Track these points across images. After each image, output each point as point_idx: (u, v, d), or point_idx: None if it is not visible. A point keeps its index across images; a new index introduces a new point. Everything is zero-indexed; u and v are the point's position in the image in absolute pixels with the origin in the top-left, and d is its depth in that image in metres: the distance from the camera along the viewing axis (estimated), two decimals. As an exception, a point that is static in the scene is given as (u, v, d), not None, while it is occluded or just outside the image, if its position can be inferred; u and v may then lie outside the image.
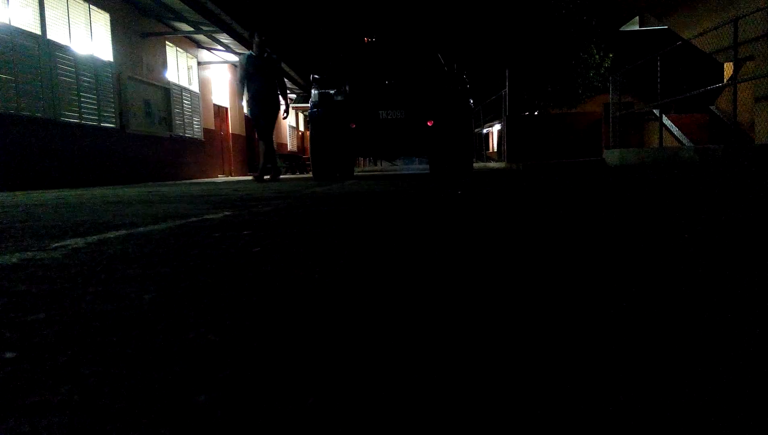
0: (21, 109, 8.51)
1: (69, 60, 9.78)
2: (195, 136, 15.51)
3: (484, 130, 22.61)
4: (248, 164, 20.37)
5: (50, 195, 5.94)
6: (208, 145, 16.62)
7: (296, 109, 29.20)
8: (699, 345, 0.77)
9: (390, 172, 15.81)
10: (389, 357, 0.76)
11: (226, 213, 3.00)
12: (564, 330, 0.85)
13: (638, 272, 1.23)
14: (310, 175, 13.53)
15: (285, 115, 9.53)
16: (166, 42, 14.04)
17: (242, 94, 9.24)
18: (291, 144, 28.35)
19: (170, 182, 11.47)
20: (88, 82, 10.39)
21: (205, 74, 16.75)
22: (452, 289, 1.13)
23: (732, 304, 0.96)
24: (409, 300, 1.06)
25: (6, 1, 8.39)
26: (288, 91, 9.65)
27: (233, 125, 19.03)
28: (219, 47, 16.10)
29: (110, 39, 11.32)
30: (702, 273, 1.20)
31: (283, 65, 19.01)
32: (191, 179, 14.38)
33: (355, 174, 13.27)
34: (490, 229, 2.05)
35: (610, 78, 13.06)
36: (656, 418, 0.57)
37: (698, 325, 0.85)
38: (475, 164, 17.02)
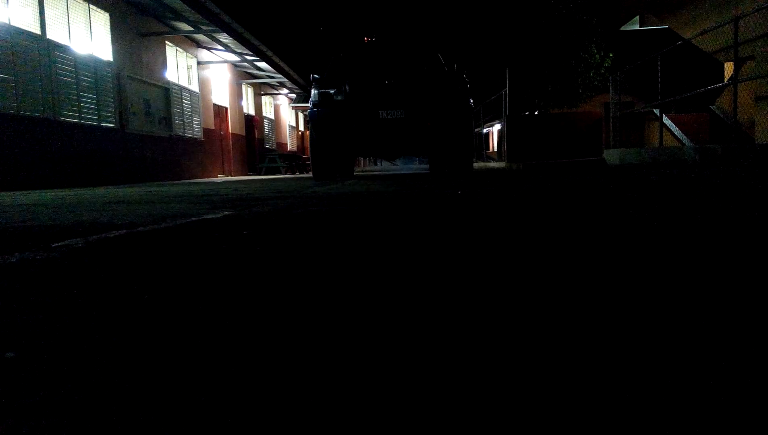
0: (21, 109, 8.51)
1: (69, 60, 9.78)
2: (195, 136, 15.50)
3: (484, 130, 22.60)
4: (248, 164, 20.37)
5: (50, 195, 5.94)
6: (208, 145, 16.62)
7: (296, 109, 29.19)
8: (694, 344, 0.77)
9: (390, 172, 15.80)
10: (387, 358, 0.76)
11: (226, 213, 3.00)
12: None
13: (637, 273, 1.23)
14: (310, 175, 13.52)
15: None
16: (166, 42, 14.04)
17: None
18: (291, 144, 28.34)
19: (170, 182, 11.47)
20: (88, 82, 10.38)
21: (205, 74, 16.74)
22: (450, 288, 1.13)
23: (733, 306, 0.96)
24: (408, 300, 1.05)
25: (6, 1, 8.39)
26: None
27: (233, 125, 19.02)
28: (219, 47, 16.08)
29: (110, 38, 11.31)
30: (702, 272, 1.20)
31: (283, 64, 19.10)
32: (191, 179, 14.37)
33: (355, 174, 13.27)
34: (490, 229, 2.04)
35: (610, 78, 13.06)
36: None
37: (695, 324, 0.85)
38: (475, 164, 17.01)
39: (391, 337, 0.84)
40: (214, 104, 17.47)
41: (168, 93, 13.82)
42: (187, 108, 15.06)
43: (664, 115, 11.04)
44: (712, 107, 15.42)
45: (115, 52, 11.46)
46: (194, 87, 15.79)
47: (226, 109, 18.58)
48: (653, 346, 0.77)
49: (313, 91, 7.97)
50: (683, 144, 13.55)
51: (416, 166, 35.70)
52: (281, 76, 19.80)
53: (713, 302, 0.97)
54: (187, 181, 12.75)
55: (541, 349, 0.77)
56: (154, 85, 13.12)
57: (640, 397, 0.61)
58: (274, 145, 24.46)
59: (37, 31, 9.03)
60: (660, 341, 0.79)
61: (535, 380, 0.67)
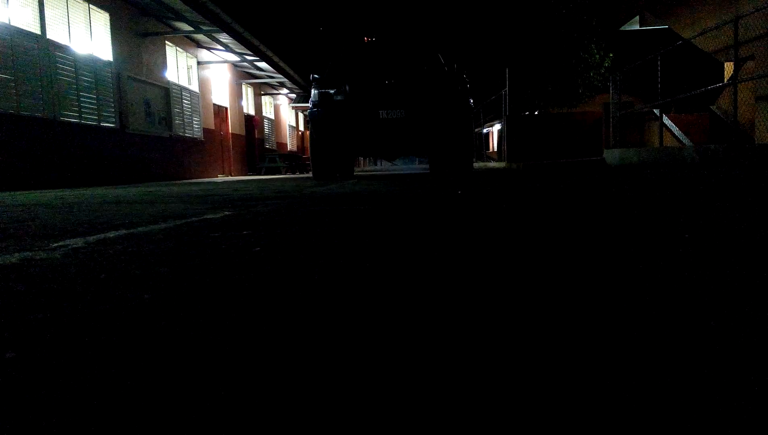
0: (21, 109, 8.51)
1: (69, 60, 9.78)
2: (195, 136, 15.50)
3: (484, 130, 22.59)
4: (248, 164, 20.38)
5: (50, 195, 5.94)
6: (208, 145, 16.62)
7: (296, 109, 29.18)
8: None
9: (390, 172, 15.81)
10: (387, 359, 0.76)
11: (226, 213, 3.00)
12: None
13: (636, 275, 1.23)
14: (310, 175, 13.52)
15: None
16: (166, 42, 14.04)
17: None
18: (291, 144, 28.34)
19: (170, 182, 11.47)
20: (88, 82, 10.38)
21: (205, 74, 16.74)
22: (448, 290, 1.13)
23: (737, 313, 0.96)
24: (407, 302, 1.05)
25: (6, 1, 8.39)
26: None
27: (233, 125, 19.02)
28: (219, 47, 16.08)
29: (110, 39, 11.32)
30: (700, 272, 1.19)
31: (283, 64, 19.11)
32: (191, 179, 14.37)
33: (355, 174, 13.27)
34: (490, 229, 2.04)
35: (610, 78, 13.05)
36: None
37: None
38: (475, 164, 17.01)
39: (388, 337, 0.84)
40: (214, 104, 17.47)
41: (168, 93, 13.82)
42: (187, 108, 15.06)
43: (664, 115, 11.04)
44: (712, 107, 15.41)
45: (115, 52, 11.45)
46: (194, 87, 15.79)
47: (226, 109, 18.58)
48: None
49: (313, 91, 7.96)
50: (683, 144, 13.54)
51: (416, 166, 35.69)
52: (281, 76, 19.80)
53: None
54: (187, 181, 12.74)
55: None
56: (154, 85, 13.12)
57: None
58: (274, 145, 24.46)
59: (37, 31, 9.03)
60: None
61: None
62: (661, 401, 0.60)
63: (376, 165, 48.52)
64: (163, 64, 13.77)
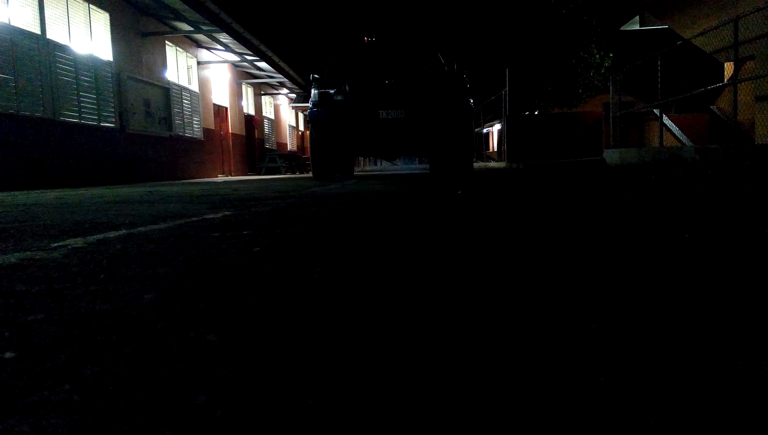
0: (21, 109, 8.51)
1: (69, 59, 9.78)
2: (195, 136, 15.50)
3: (484, 130, 22.60)
4: (248, 164, 20.37)
5: (50, 195, 5.94)
6: (208, 145, 16.62)
7: (296, 109, 29.18)
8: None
9: (390, 172, 15.80)
10: (387, 358, 0.76)
11: (226, 213, 3.00)
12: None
13: (636, 278, 1.23)
14: (310, 175, 13.52)
15: None
16: (166, 41, 14.03)
17: None
18: (291, 144, 28.33)
19: (170, 182, 11.47)
20: (88, 82, 10.38)
21: (205, 74, 16.73)
22: (448, 295, 1.13)
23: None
24: (407, 306, 1.05)
25: (6, 1, 8.39)
26: None
27: (233, 125, 19.01)
28: (219, 47, 16.08)
29: (110, 38, 11.31)
30: (700, 272, 1.19)
31: (283, 64, 19.11)
32: (191, 179, 14.37)
33: (355, 174, 13.27)
34: (489, 231, 2.04)
35: (611, 78, 13.05)
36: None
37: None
38: (475, 164, 17.00)
39: (387, 335, 0.84)
40: (214, 104, 17.46)
41: (168, 93, 13.81)
42: (187, 108, 15.05)
43: (664, 115, 11.03)
44: (712, 107, 15.41)
45: (115, 52, 11.45)
46: (194, 87, 15.79)
47: (226, 109, 18.57)
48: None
49: (313, 91, 7.96)
50: (683, 144, 13.54)
51: (416, 166, 35.69)
52: (281, 76, 19.80)
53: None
54: (187, 181, 12.74)
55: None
56: (154, 85, 13.11)
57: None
58: (274, 145, 24.46)
59: (37, 31, 9.03)
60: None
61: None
62: (656, 398, 0.60)
63: (376, 165, 48.50)
64: (163, 64, 13.77)
